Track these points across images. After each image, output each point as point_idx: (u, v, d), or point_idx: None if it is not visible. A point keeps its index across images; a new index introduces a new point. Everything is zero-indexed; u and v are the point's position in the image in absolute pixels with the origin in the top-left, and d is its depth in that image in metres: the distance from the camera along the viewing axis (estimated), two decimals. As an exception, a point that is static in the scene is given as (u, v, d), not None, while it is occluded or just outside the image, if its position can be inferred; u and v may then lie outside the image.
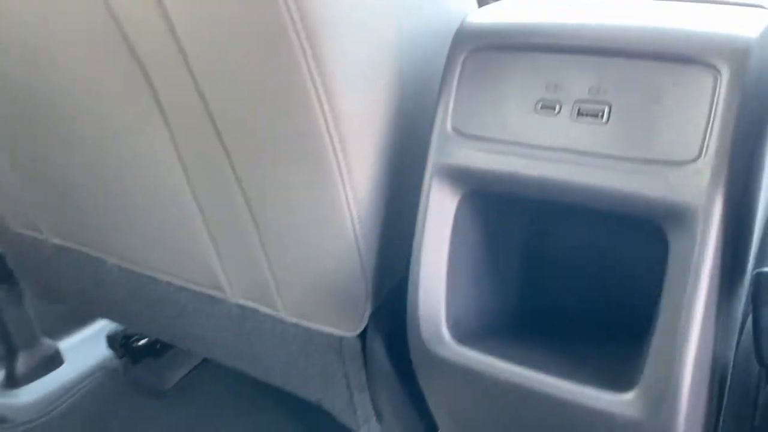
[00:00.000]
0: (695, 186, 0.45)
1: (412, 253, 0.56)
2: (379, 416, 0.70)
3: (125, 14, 0.54)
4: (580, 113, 0.49)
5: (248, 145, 0.57)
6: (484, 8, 0.57)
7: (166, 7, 0.51)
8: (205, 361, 1.17)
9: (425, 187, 0.55)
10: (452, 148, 0.54)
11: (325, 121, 0.52)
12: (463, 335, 0.56)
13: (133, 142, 0.65)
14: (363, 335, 0.65)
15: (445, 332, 0.56)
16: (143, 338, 1.14)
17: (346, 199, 0.56)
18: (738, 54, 0.45)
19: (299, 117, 0.52)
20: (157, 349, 1.15)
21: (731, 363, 0.52)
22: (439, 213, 0.55)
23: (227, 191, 0.61)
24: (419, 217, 0.56)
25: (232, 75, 0.53)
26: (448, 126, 0.54)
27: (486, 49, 0.53)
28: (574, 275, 0.62)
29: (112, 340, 1.13)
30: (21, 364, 1.10)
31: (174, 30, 0.52)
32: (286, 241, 0.62)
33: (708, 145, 0.45)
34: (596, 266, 0.61)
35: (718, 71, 0.45)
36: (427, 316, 0.56)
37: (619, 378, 0.51)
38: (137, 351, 1.14)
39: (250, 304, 0.72)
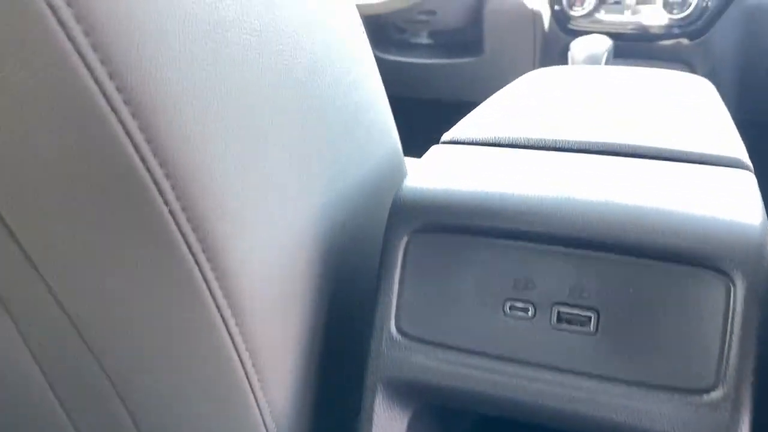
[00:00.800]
0: (712, 423, 0.36)
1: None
2: None
3: None
4: (560, 319, 0.40)
5: (125, 352, 0.43)
6: (421, 167, 0.46)
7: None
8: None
9: (366, 402, 0.43)
10: (398, 355, 0.42)
11: (227, 327, 0.39)
12: None
13: None
14: None
15: None
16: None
17: (261, 414, 0.44)
18: (754, 258, 0.37)
19: (192, 316, 0.39)
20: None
21: None
22: (385, 433, 0.44)
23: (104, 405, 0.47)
24: (360, 439, 0.44)
25: (88, 276, 0.39)
26: (392, 327, 0.43)
27: (433, 231, 0.42)
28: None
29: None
30: None
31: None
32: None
33: (726, 371, 0.36)
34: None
35: (732, 280, 0.37)
36: None
37: None
38: None
39: None
